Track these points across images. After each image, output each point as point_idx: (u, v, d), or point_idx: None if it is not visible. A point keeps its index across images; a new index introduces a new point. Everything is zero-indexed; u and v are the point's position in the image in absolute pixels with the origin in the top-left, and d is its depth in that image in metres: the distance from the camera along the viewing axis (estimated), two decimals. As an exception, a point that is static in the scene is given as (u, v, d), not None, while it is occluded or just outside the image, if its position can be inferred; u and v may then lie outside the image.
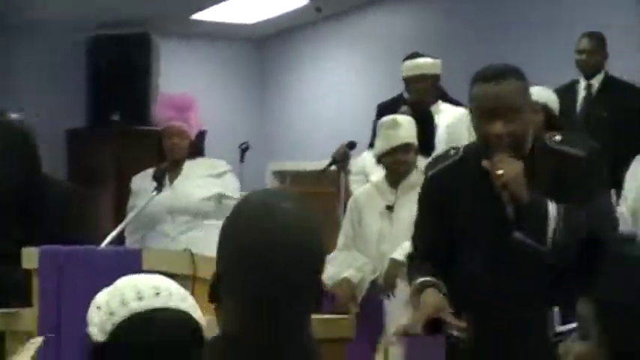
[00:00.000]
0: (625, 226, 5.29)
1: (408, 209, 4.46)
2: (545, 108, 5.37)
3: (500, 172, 3.37)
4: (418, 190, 3.84)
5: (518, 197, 3.36)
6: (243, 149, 5.69)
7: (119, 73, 9.65)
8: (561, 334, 3.16)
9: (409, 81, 6.71)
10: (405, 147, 5.24)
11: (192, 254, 3.35)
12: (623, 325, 1.71)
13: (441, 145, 5.86)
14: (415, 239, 3.76)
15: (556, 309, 3.37)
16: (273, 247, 1.73)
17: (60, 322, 3.29)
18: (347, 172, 6.27)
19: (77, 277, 3.35)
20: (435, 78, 6.65)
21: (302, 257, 1.76)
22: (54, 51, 9.76)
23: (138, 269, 3.16)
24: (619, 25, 7.33)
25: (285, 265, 1.73)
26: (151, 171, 5.72)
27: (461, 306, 3.46)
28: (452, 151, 3.75)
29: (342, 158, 6.28)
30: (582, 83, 6.96)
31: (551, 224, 3.32)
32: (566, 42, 7.17)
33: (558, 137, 3.51)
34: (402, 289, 4.73)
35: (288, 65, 11.14)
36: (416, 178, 4.90)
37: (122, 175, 8.82)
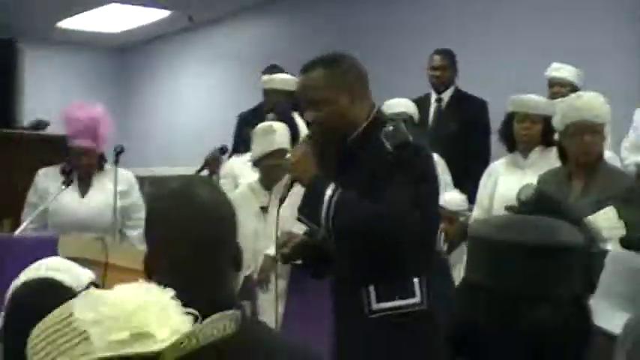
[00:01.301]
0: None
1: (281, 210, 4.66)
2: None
3: (289, 156, 3.68)
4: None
5: (299, 181, 3.54)
6: (118, 152, 5.69)
7: (-16, 78, 9.63)
8: (378, 311, 3.40)
9: (266, 93, 7.10)
10: (280, 152, 5.35)
11: (104, 242, 3.58)
12: None
13: None
14: None
15: (372, 287, 3.43)
16: (195, 219, 2.05)
17: None
18: (218, 176, 6.49)
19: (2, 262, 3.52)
20: (287, 94, 6.89)
21: (219, 223, 2.09)
22: None
23: (54, 255, 3.39)
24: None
25: (205, 229, 2.05)
26: (57, 172, 5.66)
27: None
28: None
29: (213, 162, 6.53)
30: (434, 96, 7.19)
31: (323, 209, 3.42)
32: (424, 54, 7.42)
33: (390, 128, 3.53)
34: (274, 282, 4.98)
35: (151, 73, 11.33)
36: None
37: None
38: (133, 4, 9.88)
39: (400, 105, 6.45)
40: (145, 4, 9.93)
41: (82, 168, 5.62)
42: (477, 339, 1.69)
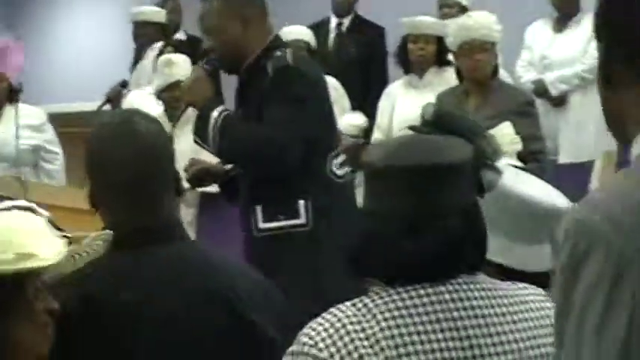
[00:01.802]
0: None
1: (184, 141, 4.57)
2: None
3: (185, 83, 3.81)
4: None
5: (193, 103, 3.71)
6: (17, 90, 5.63)
7: None
8: (263, 230, 3.54)
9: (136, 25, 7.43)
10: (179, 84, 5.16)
11: (22, 180, 3.64)
12: None
13: None
14: None
15: (258, 207, 3.56)
16: (135, 152, 2.15)
17: None
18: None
19: None
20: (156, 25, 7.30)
21: (158, 153, 2.18)
22: None
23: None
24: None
25: (145, 159, 2.15)
26: None
27: None
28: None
29: (115, 97, 6.54)
30: (334, 21, 7.13)
31: (210, 131, 3.55)
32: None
33: (278, 53, 3.61)
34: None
35: (42, 10, 11.16)
36: (191, 113, 5.13)
37: None
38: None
39: (296, 32, 6.50)
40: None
41: None
42: (373, 261, 1.72)
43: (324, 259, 3.54)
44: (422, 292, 1.66)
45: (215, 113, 3.54)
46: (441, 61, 5.70)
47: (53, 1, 11.09)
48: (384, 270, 1.71)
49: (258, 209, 3.56)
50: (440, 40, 5.66)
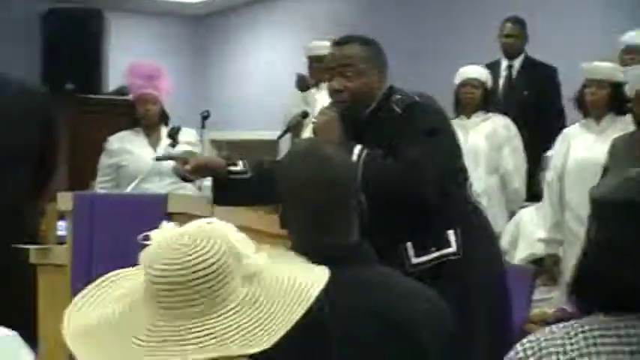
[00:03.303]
0: (552, 190, 5.88)
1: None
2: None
3: (314, 119, 3.81)
4: None
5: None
6: (205, 116, 5.92)
7: (73, 45, 9.86)
8: (417, 265, 3.53)
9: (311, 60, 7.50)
10: None
11: (208, 199, 3.82)
12: None
13: None
14: None
15: (409, 244, 3.58)
16: (324, 175, 2.24)
17: (92, 258, 3.65)
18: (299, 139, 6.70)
19: (108, 219, 3.73)
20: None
21: (344, 177, 2.27)
22: (9, 22, 9.95)
23: (164, 211, 3.60)
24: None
25: (333, 183, 2.24)
26: (125, 133, 6.07)
27: None
28: None
29: (296, 126, 6.71)
30: (504, 64, 7.26)
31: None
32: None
33: (398, 96, 3.70)
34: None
35: (230, 41, 11.49)
36: None
37: (76, 141, 9.22)
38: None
39: (473, 72, 6.59)
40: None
41: (148, 117, 5.98)
42: (607, 292, 1.74)
43: (480, 285, 3.62)
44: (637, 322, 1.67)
45: (356, 150, 3.55)
46: (618, 108, 5.66)
47: (240, 33, 11.42)
48: (604, 299, 1.73)
49: (409, 245, 3.62)
50: (614, 86, 5.63)
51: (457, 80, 6.61)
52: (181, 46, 11.44)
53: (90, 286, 1.90)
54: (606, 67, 5.80)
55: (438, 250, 3.62)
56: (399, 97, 3.71)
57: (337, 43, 3.83)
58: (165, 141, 5.81)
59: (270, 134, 7.53)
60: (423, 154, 3.53)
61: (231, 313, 1.71)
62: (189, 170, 3.85)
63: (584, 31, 7.78)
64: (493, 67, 7.16)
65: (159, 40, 11.17)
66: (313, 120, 3.81)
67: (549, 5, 8.12)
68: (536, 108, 7.01)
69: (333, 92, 3.77)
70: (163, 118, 6.09)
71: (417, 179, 3.52)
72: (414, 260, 3.60)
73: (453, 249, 3.62)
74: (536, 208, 6.23)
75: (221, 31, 11.58)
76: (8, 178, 4.62)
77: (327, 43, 7.48)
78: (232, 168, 3.89)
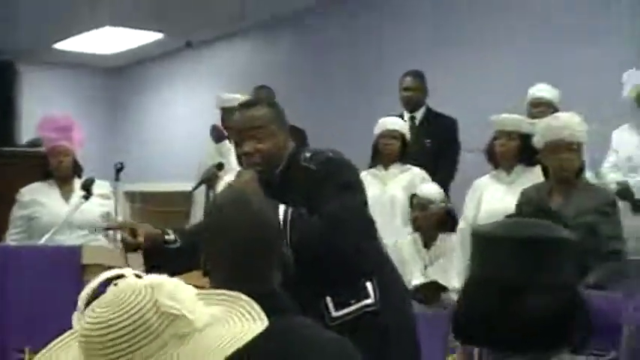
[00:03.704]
0: (464, 239, 5.86)
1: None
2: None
3: (232, 181, 3.72)
4: None
5: None
6: (118, 169, 5.90)
7: (-16, 98, 9.80)
8: (337, 318, 3.53)
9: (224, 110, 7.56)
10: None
11: (122, 250, 3.81)
12: None
13: None
14: None
15: (329, 297, 3.59)
16: (246, 224, 2.27)
17: (7, 313, 3.60)
18: (215, 192, 6.68)
19: (21, 271, 3.70)
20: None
21: (266, 227, 2.30)
22: None
23: (78, 263, 3.58)
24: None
25: (254, 232, 2.27)
26: (37, 184, 6.04)
27: None
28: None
29: (211, 178, 6.71)
30: (406, 115, 7.31)
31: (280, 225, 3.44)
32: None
33: (307, 154, 3.73)
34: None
35: (145, 92, 11.51)
36: None
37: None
38: (127, 27, 10.06)
39: (394, 123, 6.66)
40: (140, 27, 10.10)
41: (61, 169, 5.97)
42: (480, 327, 1.81)
43: (390, 339, 3.68)
44: None
45: (282, 208, 3.55)
46: (527, 159, 5.77)
47: (155, 85, 11.43)
48: (488, 337, 1.79)
49: (329, 299, 3.64)
50: (523, 137, 5.76)
51: (376, 131, 6.67)
52: (96, 98, 11.43)
53: (45, 349, 1.88)
54: (515, 119, 5.91)
55: (357, 301, 3.66)
56: (309, 154, 3.74)
57: (244, 106, 3.82)
58: (77, 193, 5.81)
59: (185, 186, 7.56)
60: (342, 208, 3.58)
61: None
62: (139, 242, 3.82)
63: (486, 84, 7.97)
64: None
65: (73, 92, 11.16)
66: (229, 183, 3.77)
67: (450, 60, 8.31)
68: (437, 157, 7.10)
69: (244, 156, 3.76)
70: (76, 170, 6.08)
71: (339, 233, 3.56)
72: (334, 314, 3.63)
73: (371, 299, 3.67)
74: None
75: (136, 82, 11.60)
76: None
77: (239, 96, 7.64)
78: (166, 237, 3.85)
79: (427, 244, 6.16)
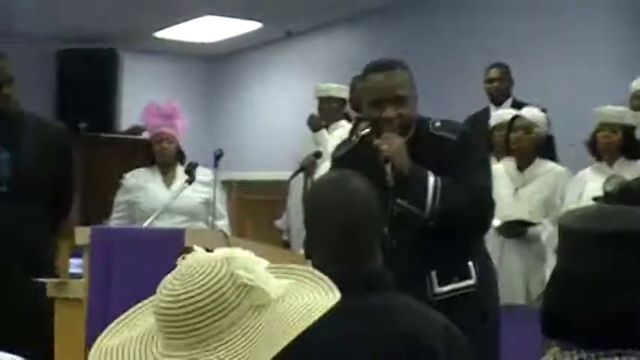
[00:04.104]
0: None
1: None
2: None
3: (385, 146, 3.62)
4: None
5: (399, 169, 3.60)
6: (217, 155, 5.97)
7: (86, 84, 10.00)
8: (439, 294, 3.58)
9: (321, 100, 7.79)
10: None
11: (225, 234, 3.87)
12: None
13: None
14: None
15: (433, 273, 3.63)
16: (344, 204, 2.28)
17: (110, 292, 3.68)
18: (312, 179, 6.73)
19: (125, 253, 3.76)
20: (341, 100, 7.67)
21: (365, 208, 2.30)
22: (24, 62, 10.03)
23: (181, 246, 3.63)
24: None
25: (352, 213, 2.27)
26: (141, 170, 6.12)
27: None
28: (353, 138, 4.09)
29: (309, 166, 6.78)
30: (492, 109, 7.27)
31: (429, 194, 3.54)
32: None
33: (438, 123, 3.74)
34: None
35: (245, 81, 11.59)
36: None
37: (89, 179, 9.27)
38: (227, 17, 10.16)
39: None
40: (239, 17, 10.19)
41: (164, 155, 6.04)
42: (570, 322, 1.78)
43: (491, 318, 3.75)
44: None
45: (431, 178, 3.58)
46: (630, 151, 5.70)
47: (252, 74, 11.53)
48: (579, 332, 1.76)
49: (433, 274, 3.66)
50: (626, 129, 5.67)
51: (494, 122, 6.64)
52: (195, 86, 11.55)
53: (124, 315, 1.92)
54: (619, 111, 5.84)
55: (460, 280, 3.67)
56: (439, 123, 3.75)
57: (381, 70, 3.78)
58: (180, 179, 5.87)
59: (283, 175, 7.61)
60: (485, 184, 3.66)
61: (226, 344, 1.70)
62: None
63: (568, 75, 7.89)
64: (483, 115, 7.22)
65: (173, 80, 11.29)
66: (384, 147, 3.65)
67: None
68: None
69: (384, 120, 3.71)
70: (179, 156, 6.14)
71: (482, 209, 3.66)
72: (437, 289, 3.65)
73: (473, 280, 3.67)
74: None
75: (234, 71, 11.70)
76: (28, 212, 4.66)
77: (336, 85, 7.67)
78: None
79: (521, 167, 6.08)
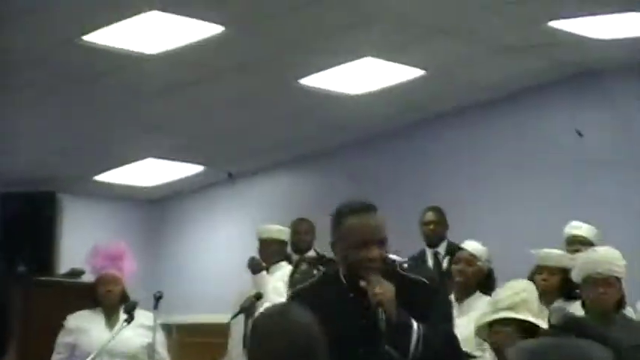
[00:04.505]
0: None
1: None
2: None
3: (378, 290, 3.61)
4: None
5: (390, 315, 3.60)
6: (158, 297, 5.99)
7: (26, 227, 9.98)
8: None
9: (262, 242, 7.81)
10: None
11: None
12: None
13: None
14: None
15: None
16: (290, 335, 2.32)
17: None
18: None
19: None
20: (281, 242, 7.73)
21: (310, 340, 2.35)
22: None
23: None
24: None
25: (298, 342, 2.31)
26: (84, 312, 6.07)
27: None
28: (315, 272, 4.07)
29: (250, 307, 6.79)
30: (429, 252, 7.54)
31: (413, 341, 3.58)
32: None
33: (405, 265, 3.82)
34: None
35: (186, 225, 11.63)
36: None
37: (27, 322, 9.16)
38: (169, 160, 10.26)
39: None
40: (180, 160, 10.30)
41: (109, 297, 5.99)
42: None
43: None
44: None
45: (415, 325, 3.64)
46: (568, 294, 5.80)
47: (191, 219, 11.57)
48: None
49: None
50: (565, 272, 5.78)
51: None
52: (136, 229, 11.52)
53: None
54: (557, 255, 5.96)
55: None
56: (407, 266, 3.85)
57: (366, 211, 3.81)
58: (122, 320, 5.82)
59: (223, 317, 7.60)
60: (453, 327, 3.86)
61: None
62: None
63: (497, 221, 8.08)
64: (420, 257, 7.42)
65: (112, 223, 11.27)
66: (377, 290, 3.66)
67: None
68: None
69: (368, 260, 3.72)
70: (124, 299, 6.05)
71: (458, 351, 3.85)
72: None
73: None
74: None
75: (176, 214, 11.74)
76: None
77: (278, 227, 7.75)
78: None
79: (460, 298, 6.11)
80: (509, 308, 4.54)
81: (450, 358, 3.74)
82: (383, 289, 3.66)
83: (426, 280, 3.76)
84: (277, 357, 2.27)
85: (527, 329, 4.45)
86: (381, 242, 3.74)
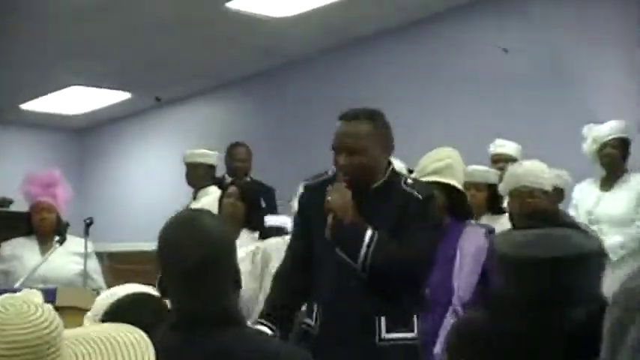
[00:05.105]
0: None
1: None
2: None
3: (328, 197, 3.83)
4: None
5: (341, 217, 3.79)
6: (88, 223, 6.02)
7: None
8: (386, 340, 3.76)
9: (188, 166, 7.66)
10: None
11: (98, 293, 3.92)
12: None
13: None
14: (287, 249, 4.22)
15: (383, 318, 3.78)
16: (196, 241, 2.30)
17: None
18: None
19: None
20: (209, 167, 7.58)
21: (218, 245, 2.34)
22: None
23: (53, 306, 3.67)
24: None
25: (205, 250, 2.30)
26: (19, 239, 6.10)
27: (315, 301, 3.95)
28: (329, 172, 4.09)
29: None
30: None
31: (364, 247, 3.73)
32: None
33: (411, 181, 3.95)
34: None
35: (113, 152, 11.63)
36: None
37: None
38: (94, 87, 10.20)
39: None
40: (107, 87, 10.25)
41: (43, 225, 6.03)
42: (515, 347, 1.89)
43: None
44: None
45: (369, 232, 3.77)
46: (495, 208, 5.94)
47: (120, 147, 11.55)
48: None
49: (383, 320, 3.82)
50: (491, 187, 5.91)
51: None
52: (64, 158, 11.47)
53: None
54: (483, 171, 6.08)
55: (405, 331, 3.86)
56: (411, 181, 3.97)
57: (343, 118, 3.93)
58: (58, 248, 5.85)
59: (153, 245, 7.65)
60: (431, 246, 3.90)
61: None
62: None
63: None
64: None
65: (40, 152, 11.22)
66: (328, 197, 3.85)
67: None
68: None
69: (337, 167, 3.90)
70: (59, 227, 6.09)
71: (423, 267, 3.87)
72: (384, 335, 3.82)
73: (414, 334, 3.87)
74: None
75: (104, 142, 11.71)
76: None
77: (202, 150, 7.74)
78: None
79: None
80: (435, 173, 4.67)
81: (406, 268, 3.80)
82: (336, 196, 3.83)
83: (419, 195, 3.87)
84: (187, 265, 2.27)
85: (455, 198, 4.69)
86: (348, 150, 3.84)
